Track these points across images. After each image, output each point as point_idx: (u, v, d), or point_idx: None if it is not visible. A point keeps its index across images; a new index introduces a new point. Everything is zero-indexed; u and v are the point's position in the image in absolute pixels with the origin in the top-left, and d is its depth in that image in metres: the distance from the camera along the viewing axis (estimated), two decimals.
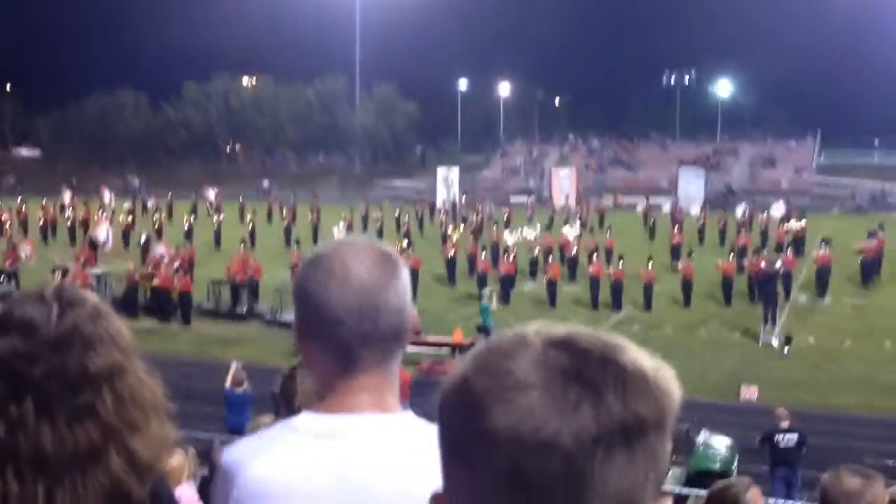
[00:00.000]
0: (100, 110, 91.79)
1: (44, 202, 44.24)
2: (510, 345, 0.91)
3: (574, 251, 32.21)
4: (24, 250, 32.64)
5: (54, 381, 1.41)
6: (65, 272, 26.28)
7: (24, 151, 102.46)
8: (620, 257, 28.61)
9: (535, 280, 30.96)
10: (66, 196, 49.95)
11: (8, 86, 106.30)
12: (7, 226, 41.00)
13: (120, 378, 1.47)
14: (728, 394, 19.52)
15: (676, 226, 38.50)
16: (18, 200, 46.50)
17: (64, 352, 1.43)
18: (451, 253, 31.50)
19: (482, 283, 27.67)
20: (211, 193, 53.11)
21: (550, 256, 31.22)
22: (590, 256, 29.19)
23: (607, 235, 35.76)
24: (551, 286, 27.67)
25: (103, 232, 35.77)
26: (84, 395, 1.42)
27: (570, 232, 35.15)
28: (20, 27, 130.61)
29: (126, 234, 39.49)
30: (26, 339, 1.42)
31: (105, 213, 42.70)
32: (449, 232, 36.65)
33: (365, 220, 45.28)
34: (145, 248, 34.17)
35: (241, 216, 45.56)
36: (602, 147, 79.72)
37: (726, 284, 27.57)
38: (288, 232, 40.57)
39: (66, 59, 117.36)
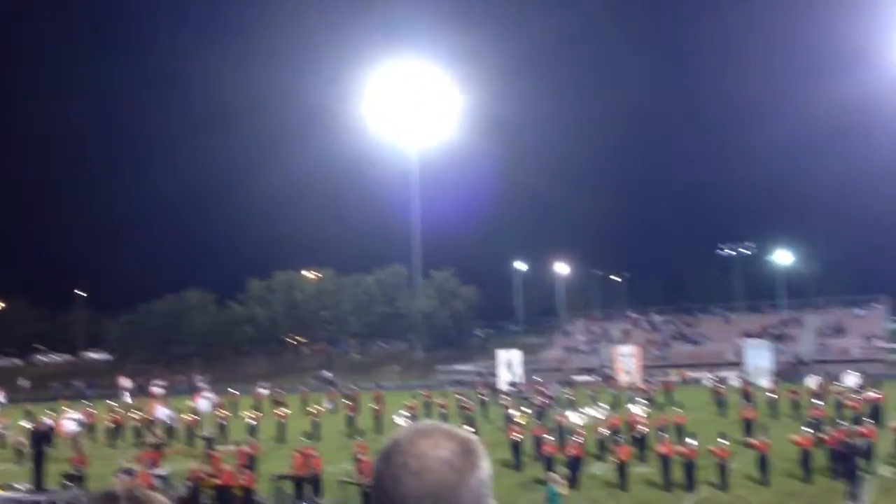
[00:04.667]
0: (167, 311, 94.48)
1: (111, 404, 44.86)
2: None
3: (643, 430, 31.34)
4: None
5: None
6: (130, 473, 26.26)
7: (94, 355, 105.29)
8: (691, 435, 27.70)
9: (603, 461, 30.02)
10: (126, 384, 51.54)
11: (78, 292, 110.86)
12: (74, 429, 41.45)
13: None
14: None
15: (747, 399, 37.44)
16: (85, 404, 47.24)
17: None
18: (516, 436, 30.86)
19: (549, 466, 26.88)
20: (271, 388, 53.51)
21: (619, 436, 30.35)
22: (660, 435, 28.32)
23: (676, 412, 34.82)
24: (621, 468, 26.74)
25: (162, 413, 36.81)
26: None
27: (638, 410, 34.30)
28: (92, 236, 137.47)
29: (190, 432, 39.61)
30: None
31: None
32: (513, 415, 36.07)
33: (428, 406, 44.91)
34: (209, 447, 34.15)
35: (304, 408, 45.57)
36: (664, 322, 79.03)
37: (805, 460, 26.34)
38: (351, 422, 40.32)
39: (134, 263, 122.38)
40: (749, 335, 68.46)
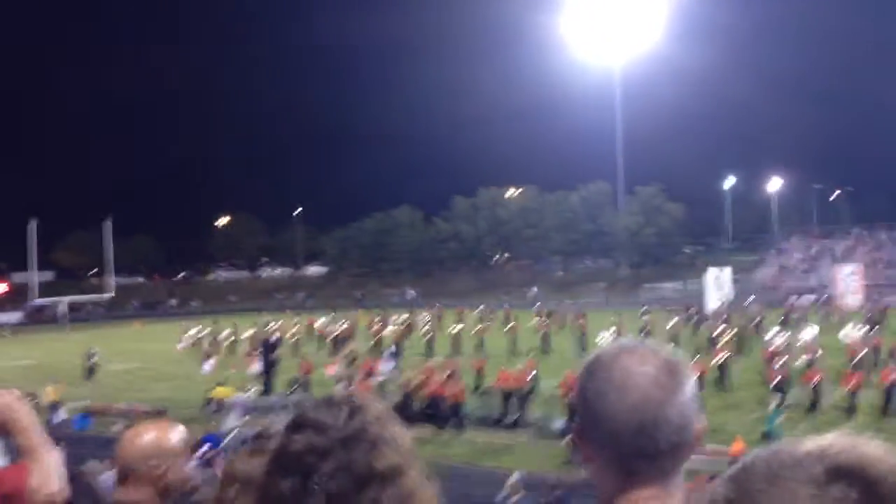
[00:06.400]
0: (378, 227, 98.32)
1: (333, 315, 47.35)
2: (784, 468, 0.75)
3: (862, 355, 29.50)
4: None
5: (342, 476, 1.52)
6: (350, 380, 27.90)
7: (312, 269, 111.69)
8: None
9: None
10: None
11: (300, 209, 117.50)
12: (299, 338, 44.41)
13: (401, 478, 1.56)
14: None
15: None
16: (309, 314, 50.34)
17: (352, 450, 1.55)
18: (723, 357, 29.94)
19: (778, 388, 25.81)
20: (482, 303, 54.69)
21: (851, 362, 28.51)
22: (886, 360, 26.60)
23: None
24: (853, 396, 25.26)
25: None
26: (369, 491, 1.53)
27: (855, 334, 32.32)
28: (311, 156, 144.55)
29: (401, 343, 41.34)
30: (319, 436, 1.56)
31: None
32: (720, 335, 35.05)
33: (636, 326, 44.37)
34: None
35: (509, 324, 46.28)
36: (893, 239, 73.43)
37: None
38: (547, 338, 40.53)
39: (347, 181, 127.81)
40: None
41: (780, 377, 26.27)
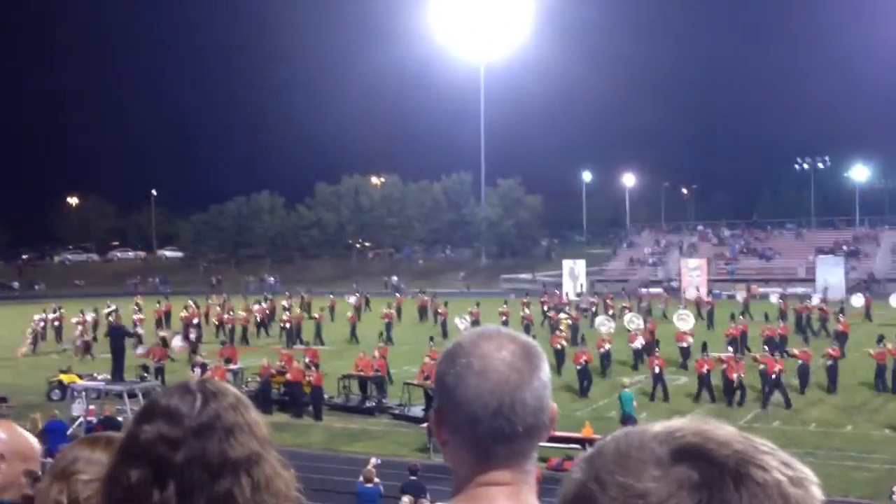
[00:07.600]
0: (238, 212, 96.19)
1: (188, 302, 46.06)
2: (632, 448, 0.77)
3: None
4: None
5: (196, 466, 1.48)
6: (204, 367, 27.28)
7: (168, 253, 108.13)
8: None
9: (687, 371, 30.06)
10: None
11: (154, 192, 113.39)
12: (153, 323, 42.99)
13: (257, 466, 1.53)
14: (880, 495, 18.20)
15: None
16: (163, 299, 48.80)
17: (206, 439, 1.50)
18: (560, 344, 31.00)
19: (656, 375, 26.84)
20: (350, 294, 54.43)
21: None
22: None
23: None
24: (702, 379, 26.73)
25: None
26: (223, 481, 1.49)
27: (683, 325, 34.32)
28: (167, 137, 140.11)
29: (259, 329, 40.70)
30: (171, 425, 1.50)
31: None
32: (559, 322, 36.50)
33: (490, 313, 45.20)
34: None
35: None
36: (733, 236, 77.77)
37: (880, 373, 26.66)
38: (389, 328, 40.82)
39: (208, 165, 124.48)
40: (822, 251, 67.14)
41: (658, 365, 27.26)
